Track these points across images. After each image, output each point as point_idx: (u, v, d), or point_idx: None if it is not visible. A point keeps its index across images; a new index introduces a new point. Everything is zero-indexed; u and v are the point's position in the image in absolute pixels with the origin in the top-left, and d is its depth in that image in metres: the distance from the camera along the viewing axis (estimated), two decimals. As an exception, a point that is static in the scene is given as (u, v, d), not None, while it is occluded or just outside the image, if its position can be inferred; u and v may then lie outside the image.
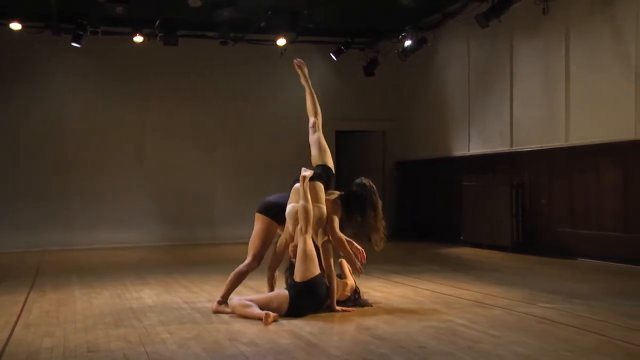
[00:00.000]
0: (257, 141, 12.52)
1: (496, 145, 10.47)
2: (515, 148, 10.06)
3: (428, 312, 5.23)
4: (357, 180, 5.57)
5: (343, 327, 4.75)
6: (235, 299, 5.21)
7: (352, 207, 5.40)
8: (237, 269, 5.49)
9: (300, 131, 12.40)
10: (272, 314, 4.86)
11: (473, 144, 11.10)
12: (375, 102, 13.09)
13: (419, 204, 12.45)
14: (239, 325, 4.80)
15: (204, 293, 6.34)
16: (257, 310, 4.97)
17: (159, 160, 12.02)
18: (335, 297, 5.30)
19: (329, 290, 5.23)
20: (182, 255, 10.08)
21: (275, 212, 5.47)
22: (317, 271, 5.12)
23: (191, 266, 8.58)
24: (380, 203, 5.48)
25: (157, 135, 12.03)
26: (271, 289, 5.59)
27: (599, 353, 3.87)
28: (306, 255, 5.09)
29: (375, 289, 6.34)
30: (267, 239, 5.53)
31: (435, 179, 11.99)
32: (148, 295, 6.27)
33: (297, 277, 5.10)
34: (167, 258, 9.79)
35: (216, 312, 5.28)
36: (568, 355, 3.83)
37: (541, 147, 9.48)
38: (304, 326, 4.71)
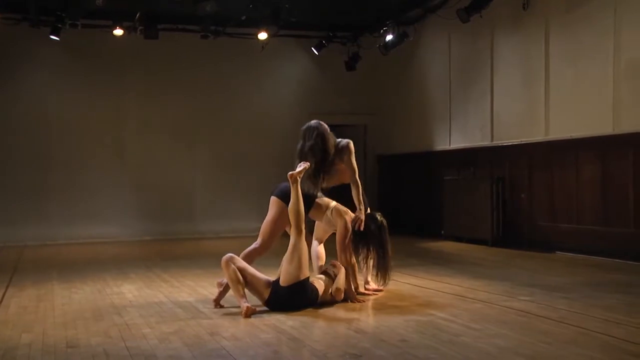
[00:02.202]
0: (238, 136, 12.49)
1: (477, 139, 10.53)
2: (495, 142, 10.12)
3: (409, 306, 5.25)
4: (371, 214, 5.63)
5: (325, 321, 4.75)
6: (238, 260, 5.07)
7: (360, 237, 5.49)
8: (246, 251, 5.39)
9: (282, 126, 12.53)
10: (249, 310, 4.86)
11: (454, 138, 11.15)
12: (357, 96, 13.11)
13: (400, 198, 12.49)
14: (221, 320, 4.79)
15: (185, 287, 6.32)
16: (242, 299, 4.94)
17: (139, 154, 11.95)
18: (351, 287, 5.40)
19: (316, 292, 5.16)
20: (163, 250, 10.04)
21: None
22: (303, 276, 5.03)
23: (172, 261, 8.55)
24: (389, 242, 5.55)
25: (137, 129, 11.96)
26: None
27: (576, 345, 3.91)
28: (293, 257, 5.01)
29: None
30: (280, 226, 5.46)
31: (417, 173, 12.03)
32: (128, 290, 6.24)
33: (282, 280, 5.04)
34: (148, 253, 9.74)
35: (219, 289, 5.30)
36: (547, 347, 3.88)
37: (521, 141, 9.55)
38: (286, 320, 4.72)
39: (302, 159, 5.40)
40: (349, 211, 5.54)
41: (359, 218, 5.50)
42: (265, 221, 5.48)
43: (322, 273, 5.59)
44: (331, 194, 5.67)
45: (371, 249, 5.53)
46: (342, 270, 5.41)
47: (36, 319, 4.93)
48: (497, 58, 10.13)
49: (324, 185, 5.62)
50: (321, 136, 5.44)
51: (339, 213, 5.50)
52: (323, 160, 5.46)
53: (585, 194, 8.48)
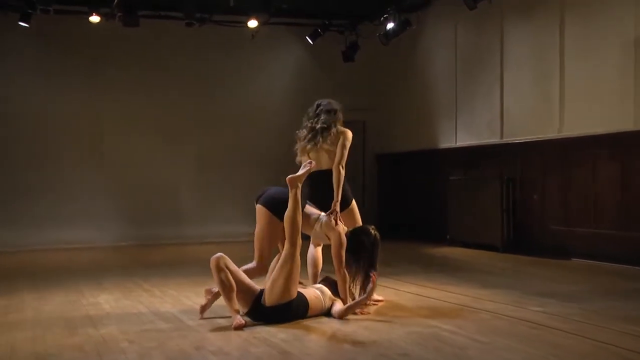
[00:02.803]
0: (227, 132, 12.49)
1: (485, 136, 10.55)
2: (505, 140, 10.13)
3: (411, 316, 5.25)
4: (364, 227, 5.65)
5: (320, 334, 4.75)
6: (229, 262, 5.00)
7: (349, 252, 5.48)
8: (241, 269, 5.36)
9: (274, 122, 12.52)
10: (241, 323, 4.84)
11: (460, 135, 11.16)
12: (355, 90, 13.09)
13: (402, 200, 12.50)
14: (207, 333, 4.79)
15: (167, 297, 6.30)
16: (235, 311, 4.90)
17: (118, 152, 11.92)
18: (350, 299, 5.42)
19: (305, 305, 5.14)
20: (144, 256, 10.02)
21: (280, 210, 5.28)
22: (290, 297, 4.99)
23: (154, 268, 8.53)
24: (378, 259, 5.55)
25: (116, 125, 11.94)
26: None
27: (592, 359, 3.92)
28: (281, 274, 4.92)
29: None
30: (274, 241, 5.51)
31: (420, 173, 12.04)
32: (106, 300, 6.22)
33: (266, 298, 4.99)
34: (128, 259, 9.73)
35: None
36: (560, 362, 3.89)
37: (533, 138, 9.56)
38: (277, 333, 4.72)
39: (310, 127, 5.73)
40: (340, 223, 5.55)
41: (335, 210, 5.52)
42: (255, 236, 5.49)
43: (321, 282, 5.59)
44: (313, 179, 5.61)
45: (360, 266, 5.49)
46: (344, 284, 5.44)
47: (3, 332, 4.91)
48: (507, 49, 10.14)
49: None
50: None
51: (330, 226, 5.49)
52: (326, 128, 5.75)
53: (603, 196, 8.50)
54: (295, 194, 5.07)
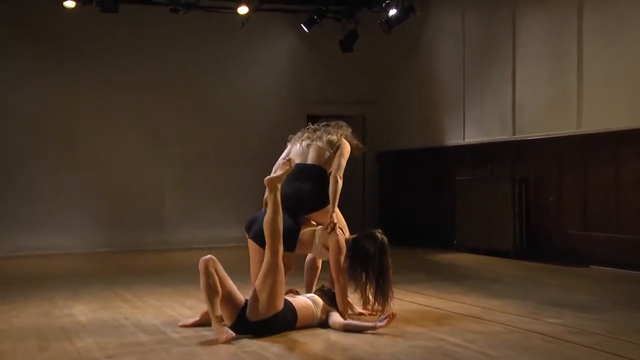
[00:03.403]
0: (214, 129, 12.46)
1: (496, 133, 10.54)
2: (518, 136, 10.13)
3: (415, 329, 5.24)
4: (370, 232, 5.60)
5: (315, 347, 4.74)
6: (219, 266, 5.02)
7: (355, 262, 5.46)
8: None
9: (266, 117, 12.51)
10: (228, 336, 4.82)
11: (469, 131, 11.16)
12: (354, 82, 13.09)
13: (405, 202, 12.50)
14: (193, 346, 4.77)
15: (149, 308, 6.29)
16: (216, 311, 4.90)
17: (95, 151, 11.88)
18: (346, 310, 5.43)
19: (293, 316, 5.14)
20: (124, 264, 10.02)
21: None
22: (275, 310, 4.97)
23: (135, 276, 8.52)
24: (390, 267, 5.51)
25: (93, 121, 11.88)
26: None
27: (614, 376, 3.92)
28: (265, 286, 4.92)
29: (352, 302, 6.33)
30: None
31: (424, 173, 12.04)
32: (82, 311, 6.21)
33: (249, 312, 4.98)
34: (106, 267, 9.72)
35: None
36: (579, 378, 3.88)
37: (549, 135, 9.56)
38: (269, 346, 4.70)
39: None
40: (338, 230, 5.53)
41: (332, 221, 5.50)
42: (251, 272, 5.47)
43: (316, 292, 5.57)
44: (294, 172, 5.57)
45: (370, 276, 5.44)
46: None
47: (-30, 347, 4.89)
48: (519, 37, 10.14)
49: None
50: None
51: (326, 234, 5.49)
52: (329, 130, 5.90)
53: (625, 198, 8.50)
54: (275, 196, 5.07)
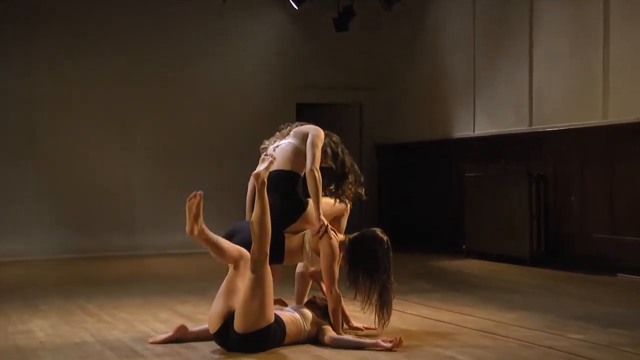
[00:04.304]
0: (191, 119, 12.44)
1: (510, 123, 10.55)
2: (535, 127, 10.14)
3: (419, 346, 5.23)
4: (371, 231, 5.60)
5: (306, 368, 4.74)
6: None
7: (358, 265, 5.45)
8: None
9: (251, 106, 12.49)
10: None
11: (479, 122, 11.17)
12: (350, 66, 13.09)
13: (407, 201, 12.51)
14: (165, 366, 4.76)
15: (118, 323, 6.28)
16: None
17: (55, 144, 11.84)
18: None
19: (282, 331, 5.14)
20: (88, 272, 9.99)
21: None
22: (266, 322, 4.96)
23: (100, 286, 8.50)
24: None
25: (51, 110, 11.84)
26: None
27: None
28: (255, 295, 4.92)
29: (348, 315, 6.31)
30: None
31: (429, 169, 12.06)
32: (40, 327, 6.17)
33: (236, 323, 4.97)
34: (68, 276, 9.67)
35: None
36: (605, 401, 3.88)
37: (571, 125, 9.56)
38: (253, 366, 4.70)
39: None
40: (331, 232, 5.52)
41: (322, 224, 5.47)
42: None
43: (305, 304, 5.56)
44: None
45: (376, 282, 5.44)
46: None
47: None
48: (537, 14, 10.15)
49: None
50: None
51: (317, 238, 5.49)
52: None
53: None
54: (263, 192, 5.09)
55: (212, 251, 5.17)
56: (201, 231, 5.10)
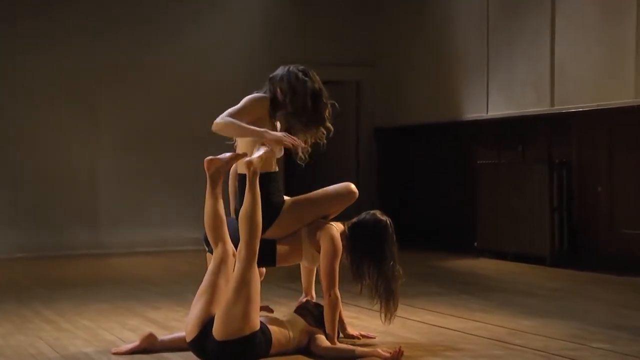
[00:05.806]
0: (165, 102, 12.42)
1: (529, 104, 10.56)
2: (557, 108, 10.14)
3: (422, 356, 5.25)
4: (371, 214, 5.61)
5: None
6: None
7: (362, 254, 5.47)
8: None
9: (234, 83, 12.41)
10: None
11: (494, 102, 11.18)
12: (347, 39, 13.08)
13: (411, 191, 12.53)
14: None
15: (79, 331, 6.27)
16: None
17: (5, 129, 11.83)
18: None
19: (268, 340, 5.14)
20: (46, 273, 10.00)
21: None
22: (251, 329, 4.95)
23: (59, 290, 8.50)
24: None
25: (3, 90, 11.83)
26: None
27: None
28: (240, 297, 4.92)
29: (345, 321, 6.32)
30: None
31: (435, 155, 12.08)
32: (-10, 335, 6.18)
33: (216, 329, 4.95)
34: (22, 277, 9.70)
35: None
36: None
37: (598, 106, 9.56)
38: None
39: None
40: (332, 223, 5.54)
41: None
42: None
43: (298, 309, 5.58)
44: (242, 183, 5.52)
45: (382, 272, 5.47)
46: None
47: None
48: (560, -21, 10.16)
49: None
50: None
51: (317, 228, 5.50)
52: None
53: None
54: (255, 183, 5.12)
55: (211, 206, 5.25)
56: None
